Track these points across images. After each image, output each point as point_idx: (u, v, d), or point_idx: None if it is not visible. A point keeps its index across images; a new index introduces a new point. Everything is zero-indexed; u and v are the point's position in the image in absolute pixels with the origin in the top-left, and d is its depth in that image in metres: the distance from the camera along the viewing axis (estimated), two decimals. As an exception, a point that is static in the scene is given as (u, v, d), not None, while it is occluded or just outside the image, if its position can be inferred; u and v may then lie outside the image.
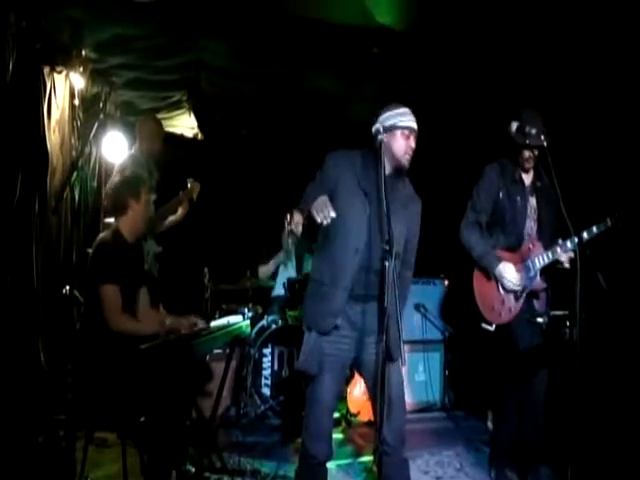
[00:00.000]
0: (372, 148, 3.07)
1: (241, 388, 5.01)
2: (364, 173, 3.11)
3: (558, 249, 3.69)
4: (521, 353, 3.80)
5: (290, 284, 5.33)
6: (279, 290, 5.71)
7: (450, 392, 5.55)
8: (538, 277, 3.79)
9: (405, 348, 3.02)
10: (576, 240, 3.54)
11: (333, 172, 3.12)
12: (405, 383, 4.11)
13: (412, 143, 3.12)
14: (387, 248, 2.80)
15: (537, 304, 3.90)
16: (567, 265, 3.71)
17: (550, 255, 3.73)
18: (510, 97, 4.78)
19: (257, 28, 4.41)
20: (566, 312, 3.97)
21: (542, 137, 3.67)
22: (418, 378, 5.44)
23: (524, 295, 3.80)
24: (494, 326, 3.84)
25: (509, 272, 3.77)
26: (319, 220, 2.81)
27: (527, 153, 3.78)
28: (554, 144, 3.72)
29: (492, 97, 5.07)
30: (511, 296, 3.81)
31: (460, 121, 5.65)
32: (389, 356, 2.79)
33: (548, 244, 3.79)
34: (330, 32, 4.36)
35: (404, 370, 3.18)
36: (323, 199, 2.91)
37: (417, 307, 5.40)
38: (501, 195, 3.87)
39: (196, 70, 5.21)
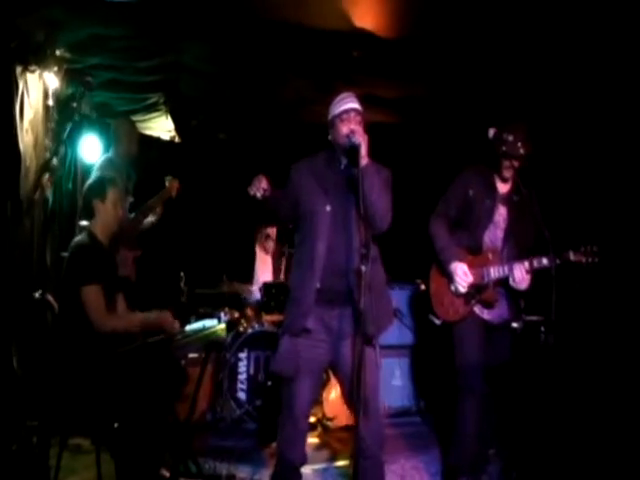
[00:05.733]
0: None
1: (217, 393, 4.97)
2: (325, 173, 3.14)
3: (515, 266, 3.63)
4: (467, 358, 3.76)
5: (266, 288, 5.29)
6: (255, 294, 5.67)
7: (425, 397, 5.54)
8: (491, 288, 3.76)
9: (380, 352, 3.05)
10: (554, 260, 3.50)
11: (296, 181, 3.17)
12: (381, 388, 4.12)
13: (352, 123, 3.04)
14: (364, 252, 2.80)
15: (490, 313, 3.83)
16: (521, 287, 3.65)
17: (506, 269, 3.69)
18: (496, 106, 4.84)
19: (236, 32, 4.38)
20: (541, 317, 4.02)
21: (519, 145, 3.63)
22: (394, 383, 5.45)
23: (474, 301, 3.78)
24: (441, 322, 3.85)
25: (460, 272, 3.73)
26: (251, 193, 2.97)
27: (505, 162, 3.73)
28: (539, 158, 3.71)
29: (477, 105, 5.14)
30: (462, 298, 3.80)
31: (439, 128, 5.69)
32: (364, 358, 2.80)
33: (510, 258, 3.75)
34: (308, 36, 4.35)
35: (380, 375, 3.18)
36: (257, 177, 3.08)
37: (393, 312, 5.32)
38: (471, 193, 3.82)
39: (175, 72, 5.16)
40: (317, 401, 4.98)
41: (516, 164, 3.71)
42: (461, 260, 3.78)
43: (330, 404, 4.92)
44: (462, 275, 3.73)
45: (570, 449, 3.84)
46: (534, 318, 4.11)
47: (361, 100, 3.18)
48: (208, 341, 3.78)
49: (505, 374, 3.92)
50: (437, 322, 3.89)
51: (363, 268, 2.76)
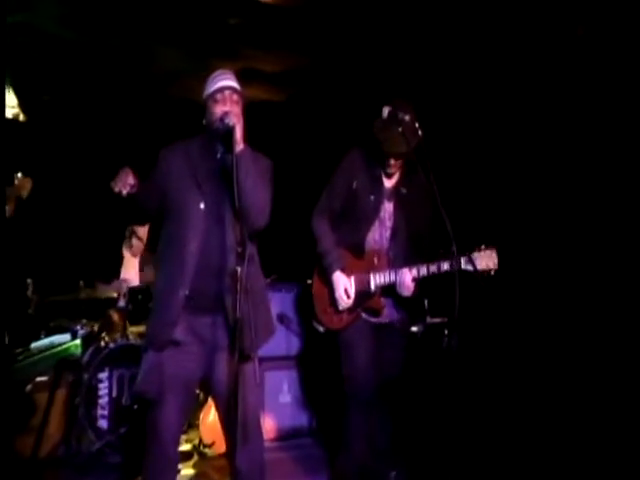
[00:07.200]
0: None
1: (72, 422, 4.24)
2: (199, 162, 2.77)
3: (402, 273, 3.35)
4: (354, 364, 3.49)
5: (132, 294, 4.62)
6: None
7: (318, 413, 4.93)
8: (377, 296, 3.49)
9: (266, 365, 2.73)
10: (457, 263, 3.11)
11: (165, 167, 2.79)
12: (268, 406, 3.72)
13: (227, 103, 2.73)
14: (240, 251, 2.48)
15: (378, 318, 3.56)
16: (405, 294, 3.39)
17: (392, 276, 3.41)
18: (386, 82, 4.62)
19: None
20: (444, 319, 3.76)
21: (417, 126, 3.24)
22: (283, 399, 4.82)
23: (359, 309, 3.51)
24: (324, 329, 3.59)
25: (342, 289, 3.47)
26: (116, 190, 2.67)
27: (392, 160, 3.40)
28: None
29: (368, 82, 4.86)
30: None
31: (326, 105, 5.39)
32: (242, 374, 2.51)
33: (398, 258, 3.47)
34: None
35: (266, 391, 2.79)
36: (123, 169, 2.73)
37: (279, 318, 4.76)
38: (355, 185, 3.51)
39: (22, 36, 4.53)
40: (193, 425, 4.50)
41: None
42: (344, 266, 3.52)
43: (208, 428, 4.30)
44: (343, 293, 3.48)
45: (477, 461, 3.60)
46: (437, 320, 3.86)
47: (239, 76, 2.83)
48: (58, 360, 3.27)
49: (404, 385, 3.67)
50: (321, 329, 3.64)
51: (239, 269, 2.45)
